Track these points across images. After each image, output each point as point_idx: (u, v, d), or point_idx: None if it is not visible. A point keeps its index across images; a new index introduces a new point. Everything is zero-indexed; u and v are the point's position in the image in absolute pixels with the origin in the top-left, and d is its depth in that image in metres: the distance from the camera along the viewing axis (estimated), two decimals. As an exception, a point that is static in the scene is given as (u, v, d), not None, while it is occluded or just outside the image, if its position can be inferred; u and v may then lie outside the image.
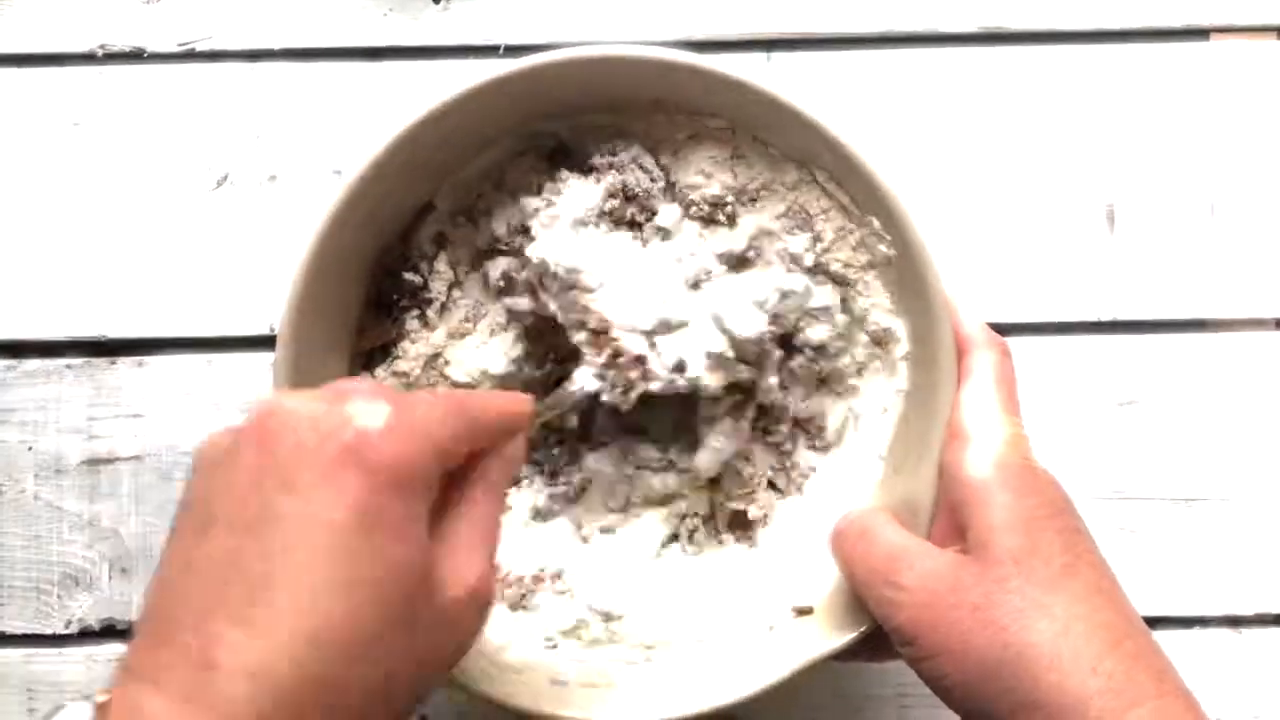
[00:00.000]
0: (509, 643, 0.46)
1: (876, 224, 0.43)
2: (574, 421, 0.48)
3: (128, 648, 0.31)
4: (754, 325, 0.44)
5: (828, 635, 0.43)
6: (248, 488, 0.31)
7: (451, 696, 0.51)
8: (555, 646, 0.47)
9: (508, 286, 0.47)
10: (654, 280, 0.44)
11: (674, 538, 0.49)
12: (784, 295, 0.44)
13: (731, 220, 0.46)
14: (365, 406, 0.32)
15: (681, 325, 0.43)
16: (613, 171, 0.45)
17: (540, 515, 0.49)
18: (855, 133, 0.42)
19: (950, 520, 0.40)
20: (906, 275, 0.43)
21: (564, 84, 0.43)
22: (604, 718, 0.44)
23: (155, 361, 0.55)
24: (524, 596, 0.47)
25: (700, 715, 0.44)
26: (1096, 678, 0.35)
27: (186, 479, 0.33)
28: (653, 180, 0.46)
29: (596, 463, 0.49)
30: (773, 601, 0.46)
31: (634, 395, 0.43)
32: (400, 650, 0.31)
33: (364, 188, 0.42)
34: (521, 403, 0.38)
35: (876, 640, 0.42)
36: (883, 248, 0.44)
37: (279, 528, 0.30)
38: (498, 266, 0.47)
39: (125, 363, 0.55)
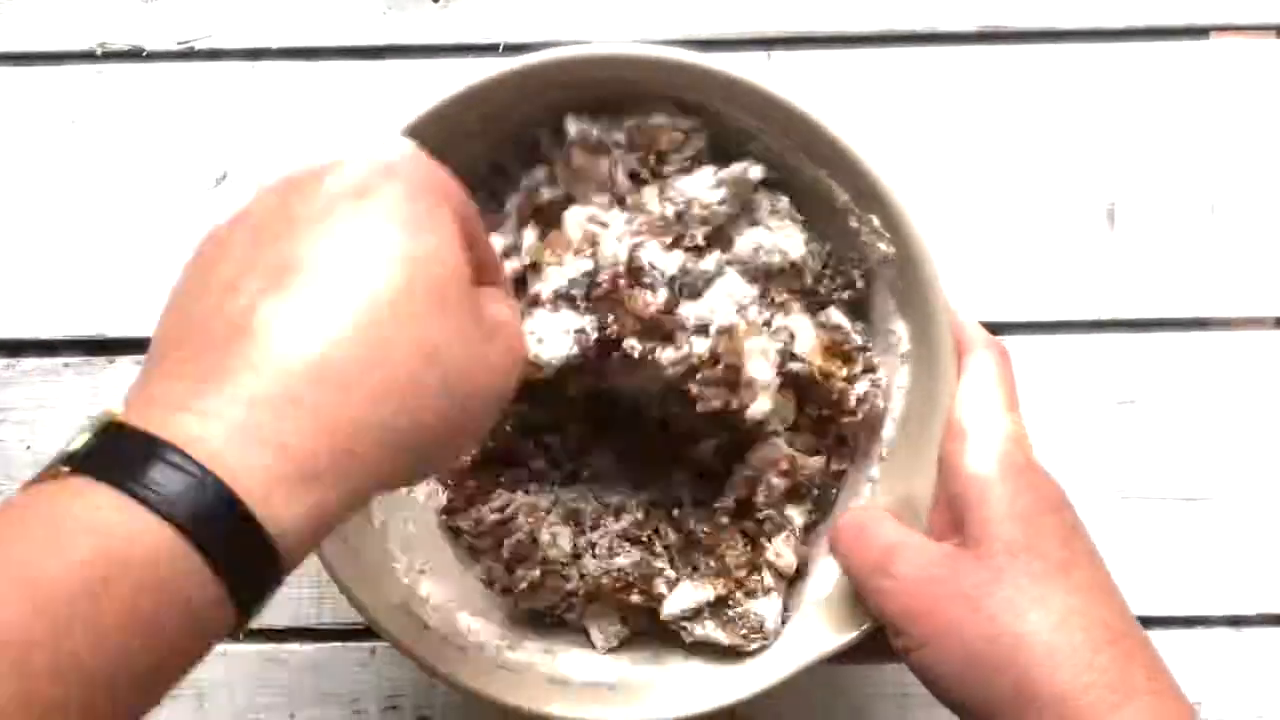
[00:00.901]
0: (509, 642, 0.46)
1: (876, 222, 0.43)
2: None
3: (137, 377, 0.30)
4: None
5: (829, 635, 0.43)
6: (277, 208, 0.31)
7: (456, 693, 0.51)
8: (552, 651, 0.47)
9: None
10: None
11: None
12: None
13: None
14: (394, 139, 0.33)
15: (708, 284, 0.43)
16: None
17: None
18: (854, 131, 0.42)
19: (948, 514, 0.40)
20: (906, 275, 0.43)
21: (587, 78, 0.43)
22: (604, 717, 0.44)
23: (154, 360, 0.55)
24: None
25: (701, 715, 0.44)
26: (1090, 672, 0.35)
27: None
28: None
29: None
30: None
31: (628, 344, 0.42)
32: (444, 332, 0.30)
33: None
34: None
35: (871, 641, 0.42)
36: (882, 245, 0.44)
37: (311, 224, 0.30)
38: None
39: (124, 361, 0.55)
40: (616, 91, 0.44)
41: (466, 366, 0.31)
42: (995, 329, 0.54)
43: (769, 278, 0.45)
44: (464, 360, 0.31)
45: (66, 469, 0.26)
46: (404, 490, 0.47)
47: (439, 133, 0.42)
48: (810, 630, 0.44)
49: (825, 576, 0.46)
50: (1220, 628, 0.54)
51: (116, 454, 0.27)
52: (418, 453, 0.30)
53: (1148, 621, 0.54)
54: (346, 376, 0.28)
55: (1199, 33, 0.56)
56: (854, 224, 0.44)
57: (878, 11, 0.56)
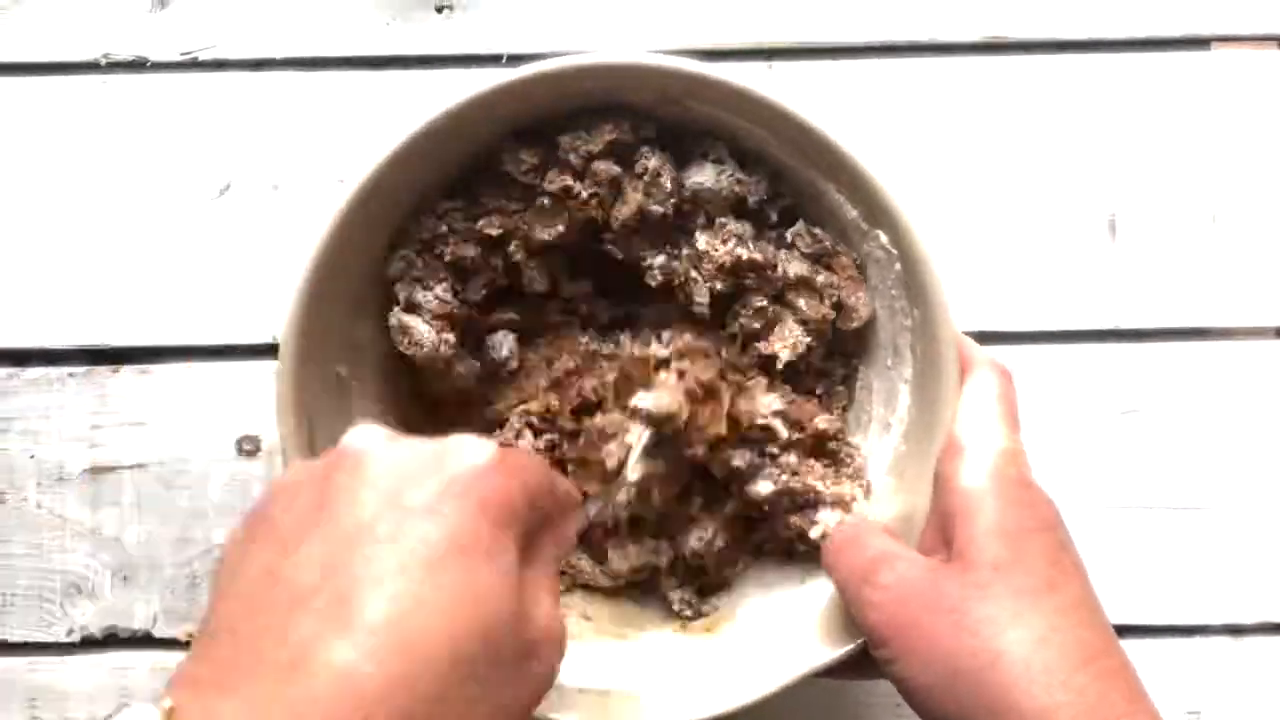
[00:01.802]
0: None
1: (884, 239, 0.43)
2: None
3: (185, 659, 0.30)
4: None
5: (821, 649, 0.44)
6: (344, 505, 0.31)
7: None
8: None
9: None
10: None
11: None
12: None
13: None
14: (472, 443, 0.33)
15: None
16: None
17: None
18: (860, 143, 0.42)
19: (938, 529, 0.40)
20: (913, 292, 0.43)
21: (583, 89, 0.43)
22: None
23: (158, 370, 0.55)
24: None
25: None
26: (1066, 692, 0.35)
27: (262, 494, 0.32)
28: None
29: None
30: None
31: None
32: (487, 679, 0.30)
33: (373, 185, 0.42)
34: (577, 491, 0.39)
35: (864, 658, 0.42)
36: (880, 253, 0.44)
37: (376, 543, 0.30)
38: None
39: (128, 371, 0.55)
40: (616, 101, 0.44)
41: (507, 707, 0.31)
42: (996, 339, 0.55)
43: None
44: (507, 700, 0.31)
45: None
46: None
47: (444, 135, 0.42)
48: (803, 644, 0.45)
49: (819, 591, 0.46)
50: (1219, 636, 0.55)
51: None
52: None
53: (1147, 630, 0.54)
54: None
55: (1200, 44, 0.56)
56: (860, 239, 0.44)
57: (879, 22, 0.56)
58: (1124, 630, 0.54)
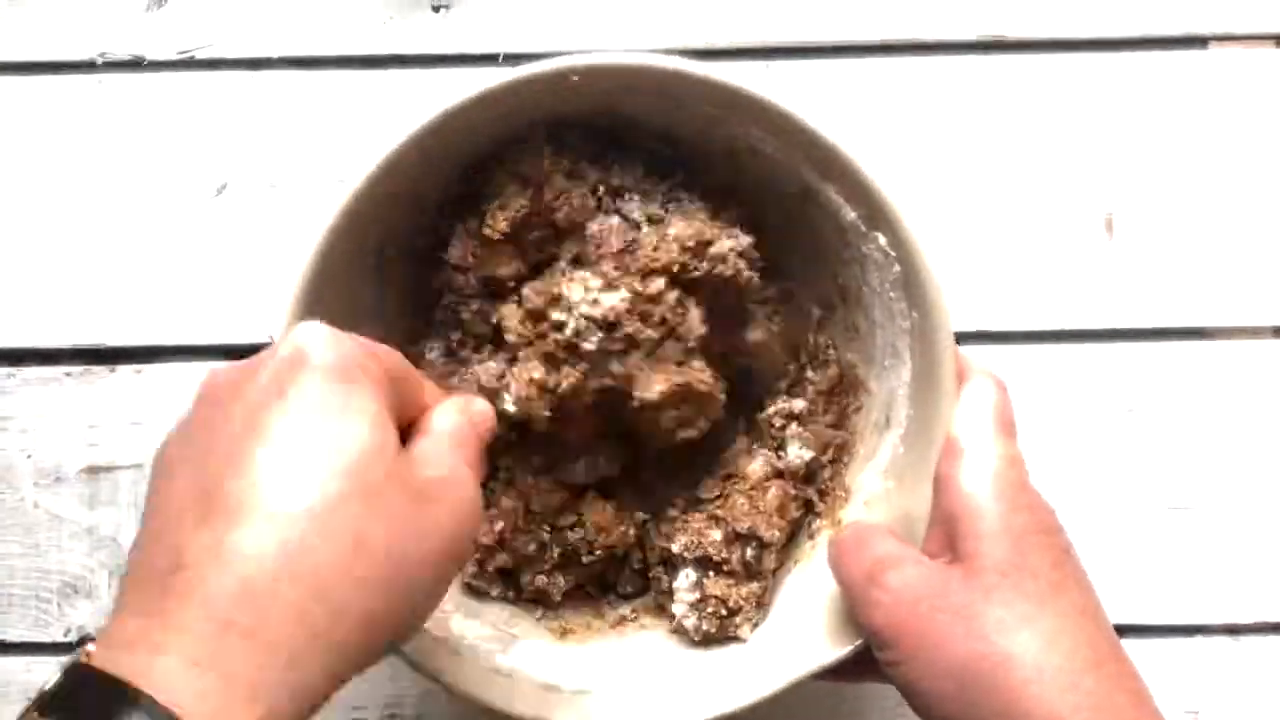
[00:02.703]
0: (500, 647, 0.46)
1: (883, 241, 0.43)
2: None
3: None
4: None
5: (822, 649, 0.43)
6: (202, 421, 0.33)
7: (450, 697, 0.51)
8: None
9: None
10: None
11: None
12: None
13: None
14: (304, 327, 0.34)
15: None
16: None
17: None
18: (863, 149, 0.42)
19: (942, 532, 0.40)
20: (911, 295, 0.43)
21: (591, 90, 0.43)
22: None
23: (155, 369, 0.55)
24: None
25: None
26: (1075, 694, 0.35)
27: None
28: None
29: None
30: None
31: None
32: (369, 516, 0.32)
33: (371, 188, 0.42)
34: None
35: (861, 660, 0.42)
36: (879, 255, 0.44)
37: (229, 429, 0.32)
38: None
39: (125, 370, 0.55)
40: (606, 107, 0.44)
41: (403, 544, 0.33)
42: (993, 339, 0.55)
43: None
44: (400, 537, 0.33)
45: (37, 714, 0.29)
46: None
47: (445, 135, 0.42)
48: (802, 644, 0.44)
49: (820, 589, 0.46)
50: (1218, 636, 0.55)
51: (82, 698, 0.29)
52: (370, 637, 0.32)
53: (1146, 630, 0.54)
54: (276, 593, 0.30)
55: (1198, 43, 0.56)
56: (857, 241, 0.44)
57: (877, 21, 0.56)
58: (1123, 630, 0.54)
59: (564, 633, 0.48)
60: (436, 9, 0.56)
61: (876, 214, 0.43)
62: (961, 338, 0.48)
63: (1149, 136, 0.56)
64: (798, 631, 0.45)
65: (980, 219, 0.55)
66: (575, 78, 0.42)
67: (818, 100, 0.55)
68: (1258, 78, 0.56)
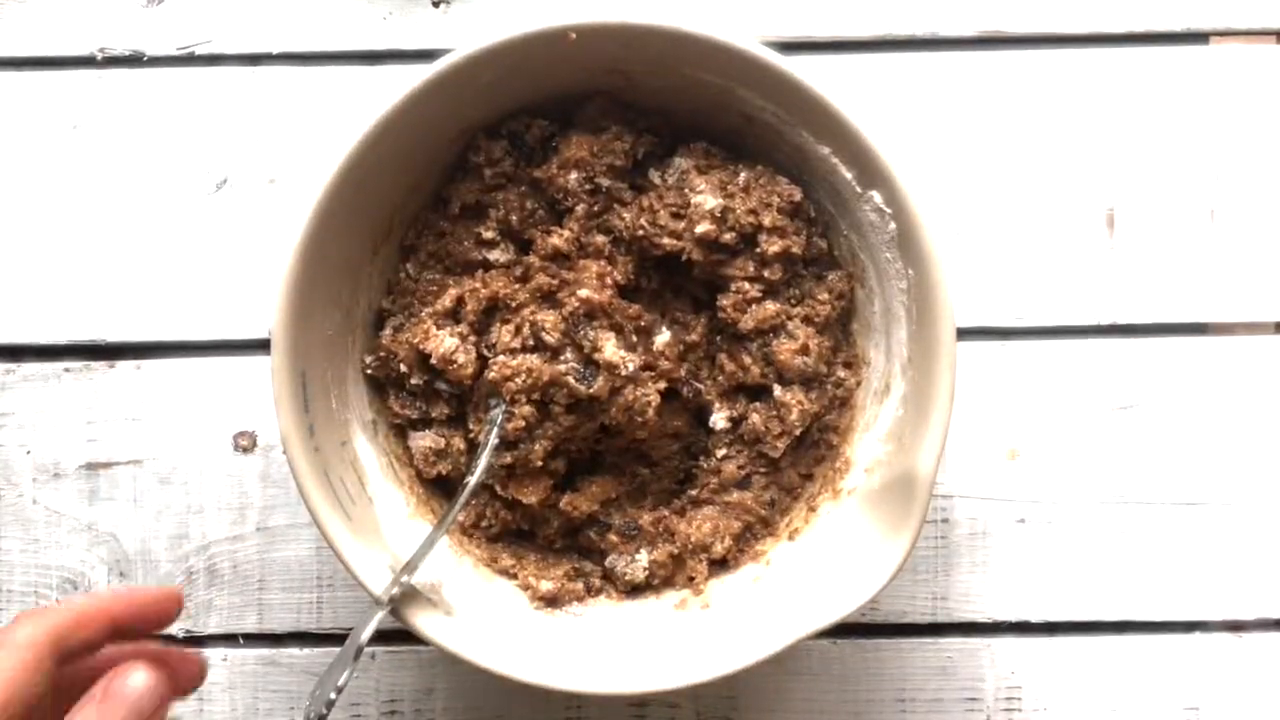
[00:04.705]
0: (502, 610, 0.47)
1: (878, 199, 0.43)
2: None
3: None
4: None
5: (821, 612, 0.44)
6: None
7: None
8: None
9: None
10: None
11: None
12: None
13: None
14: None
15: None
16: None
17: None
18: (859, 109, 0.42)
19: None
20: (907, 250, 0.44)
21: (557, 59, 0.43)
22: (599, 687, 0.44)
23: (154, 365, 0.55)
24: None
25: (698, 684, 0.44)
26: None
27: None
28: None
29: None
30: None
31: None
32: None
33: (349, 176, 0.43)
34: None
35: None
36: (874, 215, 0.44)
37: None
38: None
39: (124, 366, 0.55)
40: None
41: None
42: (994, 334, 0.55)
43: None
44: None
45: None
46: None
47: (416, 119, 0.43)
48: (805, 605, 0.44)
49: (816, 557, 0.46)
50: (1219, 633, 0.55)
51: None
52: None
53: (1146, 626, 0.54)
54: None
55: (1199, 38, 0.56)
56: (855, 202, 0.44)
57: (878, 16, 0.56)
58: (1124, 626, 0.54)
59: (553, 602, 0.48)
60: (436, 4, 0.56)
61: (872, 171, 0.43)
62: (963, 334, 0.49)
63: (1150, 132, 0.55)
64: (796, 596, 0.45)
65: (981, 215, 0.55)
66: (573, 35, 0.42)
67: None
68: (1258, 73, 0.55)
